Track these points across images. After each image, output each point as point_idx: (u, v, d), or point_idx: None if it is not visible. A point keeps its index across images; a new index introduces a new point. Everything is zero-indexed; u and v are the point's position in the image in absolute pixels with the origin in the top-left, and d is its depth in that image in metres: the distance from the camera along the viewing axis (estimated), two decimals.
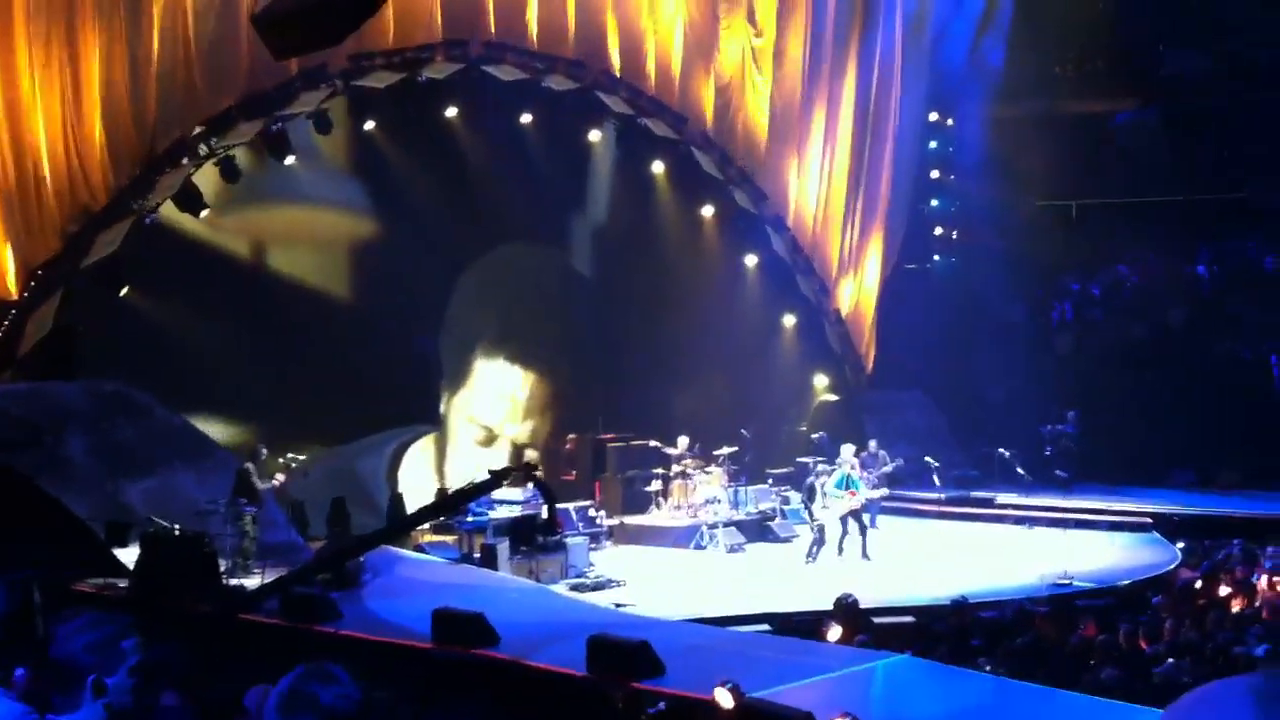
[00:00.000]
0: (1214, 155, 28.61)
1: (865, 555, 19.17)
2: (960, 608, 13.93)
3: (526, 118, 23.36)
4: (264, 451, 16.56)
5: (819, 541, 19.31)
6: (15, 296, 17.36)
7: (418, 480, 21.97)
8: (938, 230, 30.50)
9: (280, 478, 16.51)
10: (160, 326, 18.79)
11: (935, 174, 30.21)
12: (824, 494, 19.63)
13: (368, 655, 11.29)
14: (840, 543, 19.34)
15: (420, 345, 22.54)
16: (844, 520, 19.32)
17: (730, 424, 23.12)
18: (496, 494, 18.47)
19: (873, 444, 22.41)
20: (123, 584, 13.67)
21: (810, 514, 19.63)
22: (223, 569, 14.16)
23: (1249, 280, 28.26)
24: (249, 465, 15.95)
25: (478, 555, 17.56)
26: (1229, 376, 25.97)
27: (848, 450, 20.12)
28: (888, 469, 22.15)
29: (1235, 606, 14.43)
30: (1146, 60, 30.28)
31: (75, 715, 3.63)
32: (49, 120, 17.36)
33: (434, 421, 23.02)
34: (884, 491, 21.14)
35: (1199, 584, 15.84)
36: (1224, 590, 15.07)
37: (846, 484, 19.40)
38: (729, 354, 25.58)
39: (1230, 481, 24.52)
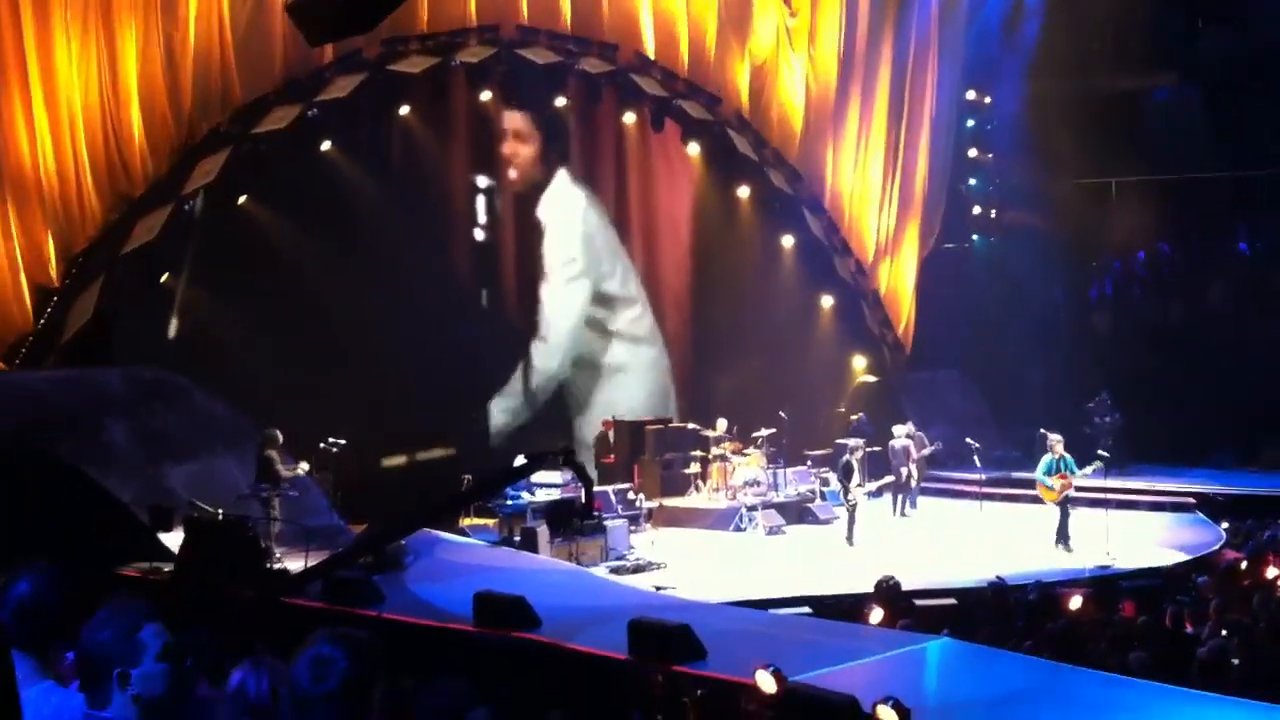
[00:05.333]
0: (1253, 131, 28.26)
1: (1060, 541, 18.21)
2: (999, 590, 13.85)
3: (561, 101, 23.37)
4: (279, 436, 16.14)
5: (853, 520, 19.18)
6: (56, 284, 17.52)
7: None
8: (976, 209, 30.30)
9: (304, 465, 16.35)
10: (198, 313, 18.88)
11: (973, 153, 30.01)
12: (1039, 478, 18.59)
13: (410, 638, 11.34)
14: (1063, 529, 18.32)
15: (460, 332, 22.56)
16: (1062, 507, 18.40)
17: (768, 406, 23.03)
18: (535, 477, 18.58)
19: (910, 426, 22.33)
20: (167, 568, 13.80)
21: (846, 493, 19.45)
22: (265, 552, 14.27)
23: None
24: (272, 452, 15.86)
25: (518, 538, 17.60)
26: (1270, 354, 25.71)
27: (1056, 438, 18.77)
28: (926, 451, 22.11)
29: None
30: (1183, 36, 29.94)
31: (109, 711, 3.64)
32: (87, 109, 17.48)
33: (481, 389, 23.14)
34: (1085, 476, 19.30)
35: (1244, 565, 15.71)
36: (1271, 571, 14.93)
37: (1058, 467, 18.47)
38: (766, 336, 25.49)
39: (1273, 460, 24.30)
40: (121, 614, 3.81)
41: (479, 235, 23.71)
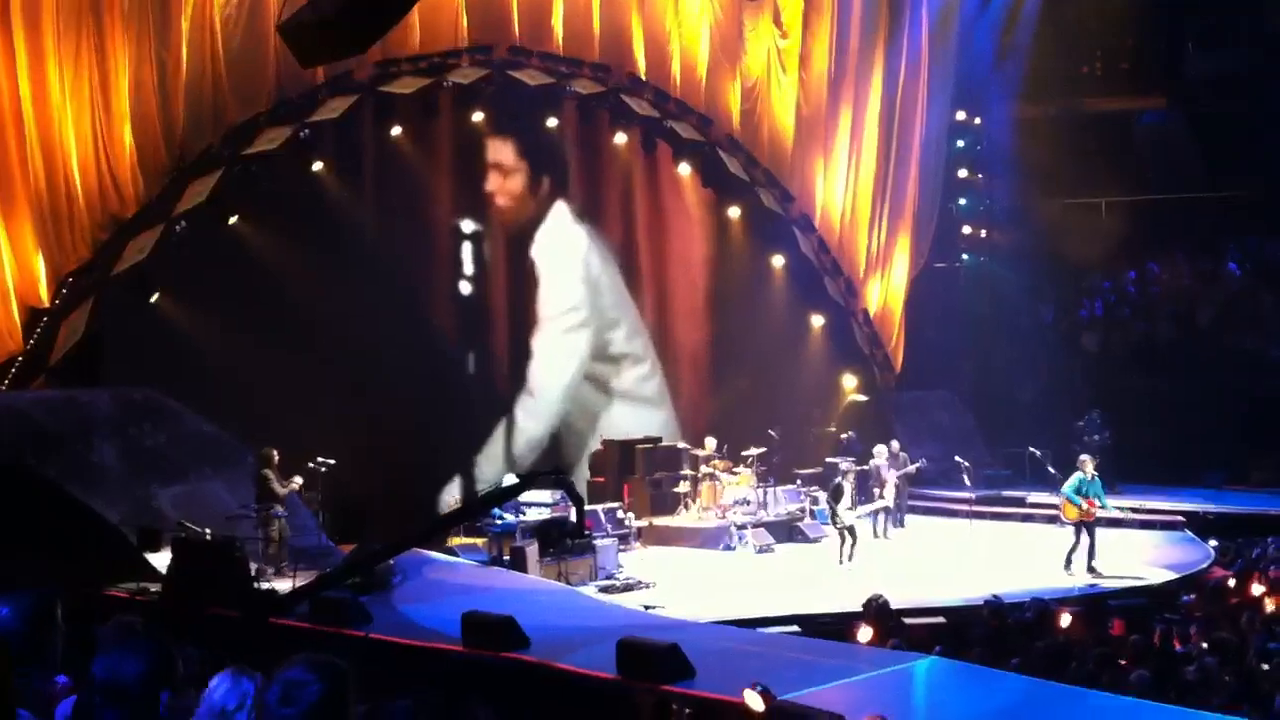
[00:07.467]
0: (1240, 153, 28.41)
1: (1090, 568, 17.69)
2: (996, 609, 13.83)
3: (552, 121, 23.43)
4: (275, 455, 16.15)
5: (848, 542, 19.13)
6: (47, 304, 17.50)
7: None
8: (966, 229, 30.40)
9: (299, 480, 16.31)
10: (189, 334, 18.86)
11: (963, 173, 30.12)
12: (1063, 496, 17.99)
13: (398, 659, 11.33)
14: (1069, 554, 17.89)
15: (451, 352, 22.55)
16: (1077, 529, 17.96)
17: (758, 425, 23.03)
18: (525, 496, 18.55)
19: (894, 444, 22.34)
20: (154, 589, 13.77)
21: (834, 515, 19.40)
22: (253, 573, 14.23)
23: (1277, 277, 28.09)
24: (267, 470, 15.85)
25: (507, 558, 17.57)
26: (1258, 374, 25.81)
27: (1086, 458, 18.32)
28: (912, 469, 22.09)
29: (1269, 606, 14.33)
30: (1172, 59, 30.11)
31: None
32: (79, 129, 17.50)
33: (468, 427, 23.07)
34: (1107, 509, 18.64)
35: (1232, 583, 15.74)
36: (1257, 589, 14.96)
37: (1088, 491, 17.87)
38: (757, 355, 25.52)
39: (1261, 479, 24.35)
40: (144, 642, 3.75)
41: (470, 257, 23.60)
